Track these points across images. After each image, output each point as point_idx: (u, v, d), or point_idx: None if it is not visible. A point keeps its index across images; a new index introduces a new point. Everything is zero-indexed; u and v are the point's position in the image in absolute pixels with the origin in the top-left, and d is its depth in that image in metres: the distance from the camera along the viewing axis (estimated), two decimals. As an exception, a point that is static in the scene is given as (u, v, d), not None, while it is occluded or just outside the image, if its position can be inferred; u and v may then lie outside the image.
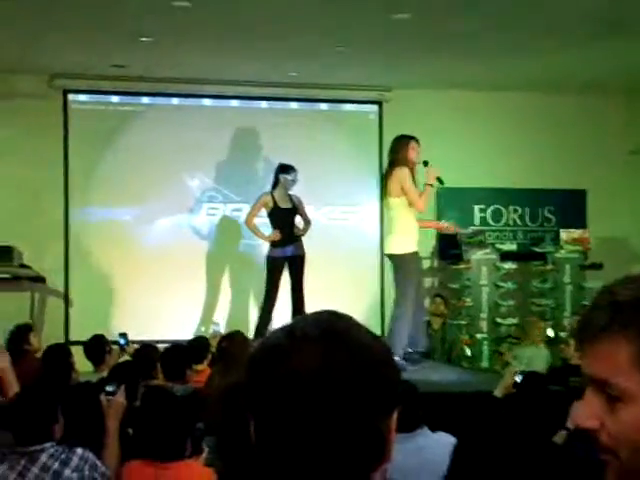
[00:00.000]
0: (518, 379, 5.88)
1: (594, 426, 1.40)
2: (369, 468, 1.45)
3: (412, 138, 8.61)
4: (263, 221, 10.28)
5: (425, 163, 8.69)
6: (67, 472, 4.29)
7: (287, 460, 1.43)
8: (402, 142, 8.60)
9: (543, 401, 5.66)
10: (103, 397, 4.94)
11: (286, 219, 9.97)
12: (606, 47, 9.90)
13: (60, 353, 7.33)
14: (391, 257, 8.68)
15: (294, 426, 1.41)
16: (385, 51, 10.08)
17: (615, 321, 1.38)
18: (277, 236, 9.90)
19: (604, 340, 1.38)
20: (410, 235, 8.51)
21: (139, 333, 9.88)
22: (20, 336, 8.37)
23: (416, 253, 8.56)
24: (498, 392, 5.93)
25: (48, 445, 4.36)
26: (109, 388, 4.97)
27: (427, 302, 11.39)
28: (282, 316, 10.03)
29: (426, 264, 12.11)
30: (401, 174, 8.40)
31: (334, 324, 1.47)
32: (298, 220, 10.21)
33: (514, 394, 5.82)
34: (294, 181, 10.03)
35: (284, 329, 1.48)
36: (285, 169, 10.06)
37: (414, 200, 8.41)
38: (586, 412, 1.41)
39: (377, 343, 1.49)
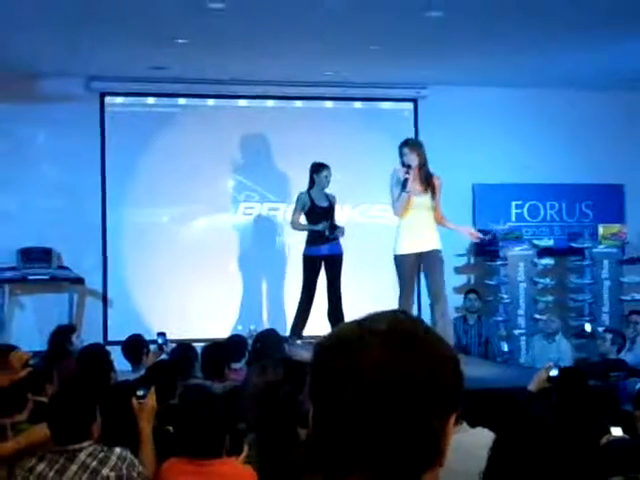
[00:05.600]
0: (553, 373, 5.85)
1: None
2: (420, 467, 1.47)
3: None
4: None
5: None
6: (105, 471, 4.31)
7: (340, 448, 1.45)
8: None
9: (582, 396, 5.63)
10: (134, 401, 4.96)
11: (323, 217, 9.94)
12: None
13: (97, 353, 7.37)
14: None
15: (350, 416, 1.43)
16: (420, 48, 10.05)
17: None
18: (326, 226, 9.89)
19: None
20: (399, 237, 8.85)
21: (177, 332, 9.93)
22: (62, 336, 8.44)
23: (403, 255, 8.83)
24: (533, 386, 5.91)
25: (86, 444, 4.39)
26: (139, 392, 4.99)
27: (461, 299, 11.43)
28: (319, 315, 10.04)
29: (462, 261, 12.10)
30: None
31: (402, 322, 1.51)
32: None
33: (549, 388, 5.79)
34: (327, 178, 10.00)
35: (353, 322, 1.52)
36: (318, 168, 10.02)
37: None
38: None
39: (443, 347, 1.53)
